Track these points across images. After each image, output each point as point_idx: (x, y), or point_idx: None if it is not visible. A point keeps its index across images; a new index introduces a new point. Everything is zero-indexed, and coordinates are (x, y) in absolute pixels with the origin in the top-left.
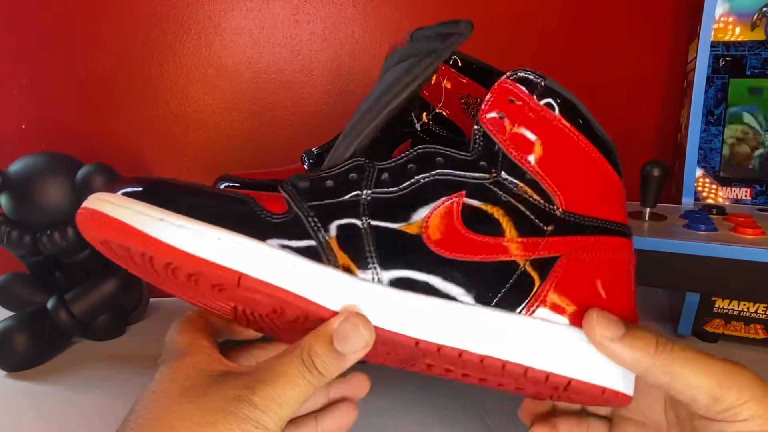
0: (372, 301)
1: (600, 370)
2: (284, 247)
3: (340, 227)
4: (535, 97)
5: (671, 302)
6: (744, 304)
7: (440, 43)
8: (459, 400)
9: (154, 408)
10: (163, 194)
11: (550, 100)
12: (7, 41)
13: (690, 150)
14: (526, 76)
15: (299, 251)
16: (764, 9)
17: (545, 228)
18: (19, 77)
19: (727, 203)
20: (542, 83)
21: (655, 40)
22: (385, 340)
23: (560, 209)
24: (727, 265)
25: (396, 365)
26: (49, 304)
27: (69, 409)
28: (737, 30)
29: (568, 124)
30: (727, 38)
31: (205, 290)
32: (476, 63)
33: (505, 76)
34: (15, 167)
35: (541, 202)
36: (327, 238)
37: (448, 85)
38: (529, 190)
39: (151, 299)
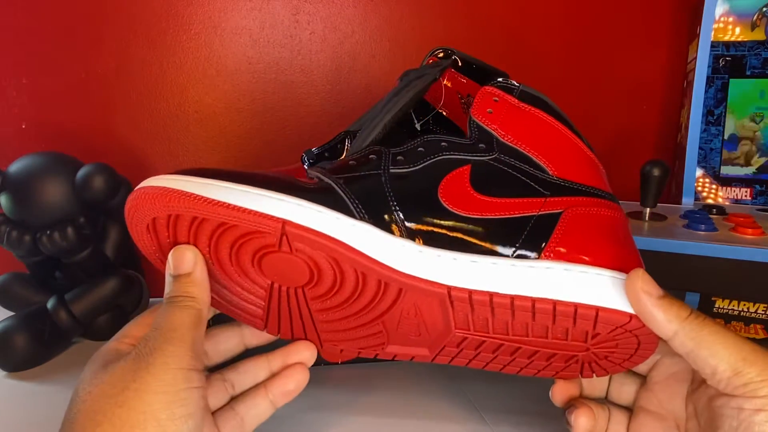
0: (405, 255)
1: (624, 299)
2: (322, 204)
3: (366, 190)
4: (514, 96)
5: None
6: (744, 304)
7: (430, 69)
8: (459, 399)
9: (72, 406)
10: (210, 171)
11: (527, 99)
12: (7, 41)
13: (690, 150)
14: (504, 82)
15: (335, 208)
16: (764, 9)
17: (544, 191)
18: (19, 77)
19: (727, 203)
20: (518, 88)
21: (655, 40)
22: (419, 293)
23: (554, 176)
24: (727, 265)
25: (425, 354)
26: (49, 304)
27: None
28: (737, 30)
29: (544, 113)
30: (727, 38)
31: (245, 263)
32: (476, 63)
33: (486, 85)
34: (15, 167)
35: (536, 171)
36: (356, 199)
37: (449, 85)
38: (524, 163)
39: (151, 299)
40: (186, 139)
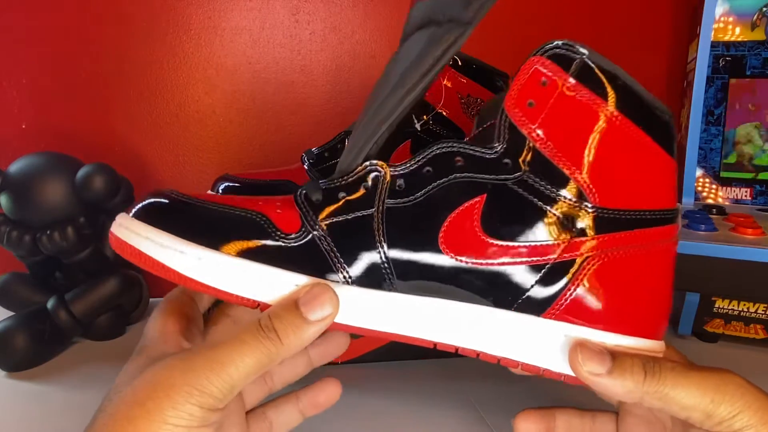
0: (391, 312)
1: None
2: (297, 269)
3: (354, 245)
4: (571, 77)
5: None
6: (744, 304)
7: (465, 10)
8: (460, 400)
9: (103, 403)
10: (182, 219)
11: (589, 78)
12: (7, 41)
13: (690, 150)
14: (562, 51)
15: (312, 272)
16: (764, 9)
17: (573, 228)
18: (19, 77)
19: (727, 203)
20: (580, 59)
21: (655, 40)
22: (406, 341)
23: (593, 206)
24: (727, 265)
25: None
26: (49, 304)
27: (69, 409)
28: (737, 30)
29: (610, 108)
30: (727, 38)
31: None
32: (476, 63)
33: (536, 51)
34: (15, 167)
35: (571, 199)
36: (341, 255)
37: (449, 84)
38: (558, 188)
39: (151, 299)
40: (186, 139)
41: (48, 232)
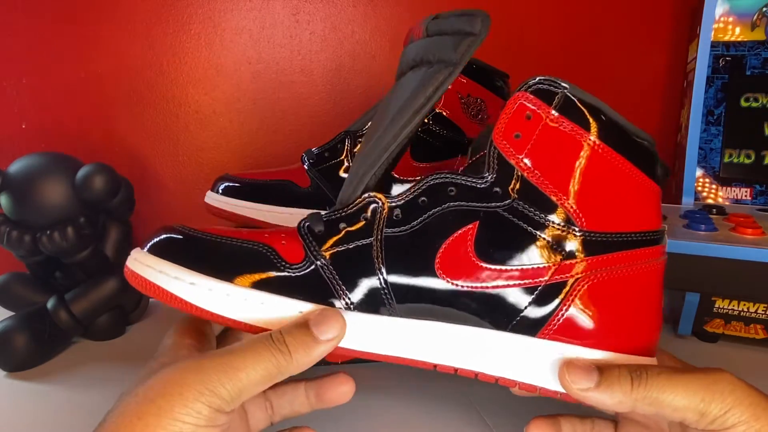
0: (391, 334)
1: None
2: (300, 297)
3: (355, 272)
4: (553, 110)
5: (671, 302)
6: (744, 304)
7: (454, 52)
8: (460, 400)
9: (115, 403)
10: (195, 253)
11: (571, 111)
12: (7, 41)
13: (690, 150)
14: (544, 86)
15: (315, 299)
16: (764, 9)
17: (563, 251)
18: (19, 77)
19: (727, 203)
20: (562, 93)
21: (655, 40)
22: (406, 363)
23: (581, 229)
24: (727, 265)
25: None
26: (49, 304)
27: (69, 409)
28: (737, 30)
29: (592, 138)
30: (727, 38)
31: None
32: (476, 63)
33: (521, 87)
34: (15, 167)
35: (560, 224)
36: (342, 283)
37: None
38: (546, 213)
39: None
40: (186, 139)
41: (48, 232)
